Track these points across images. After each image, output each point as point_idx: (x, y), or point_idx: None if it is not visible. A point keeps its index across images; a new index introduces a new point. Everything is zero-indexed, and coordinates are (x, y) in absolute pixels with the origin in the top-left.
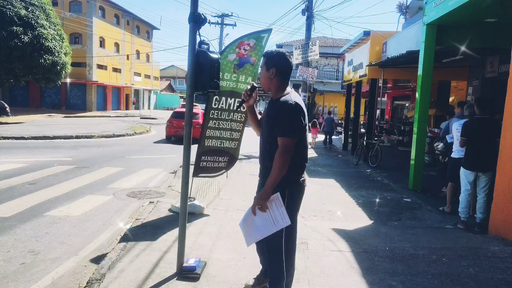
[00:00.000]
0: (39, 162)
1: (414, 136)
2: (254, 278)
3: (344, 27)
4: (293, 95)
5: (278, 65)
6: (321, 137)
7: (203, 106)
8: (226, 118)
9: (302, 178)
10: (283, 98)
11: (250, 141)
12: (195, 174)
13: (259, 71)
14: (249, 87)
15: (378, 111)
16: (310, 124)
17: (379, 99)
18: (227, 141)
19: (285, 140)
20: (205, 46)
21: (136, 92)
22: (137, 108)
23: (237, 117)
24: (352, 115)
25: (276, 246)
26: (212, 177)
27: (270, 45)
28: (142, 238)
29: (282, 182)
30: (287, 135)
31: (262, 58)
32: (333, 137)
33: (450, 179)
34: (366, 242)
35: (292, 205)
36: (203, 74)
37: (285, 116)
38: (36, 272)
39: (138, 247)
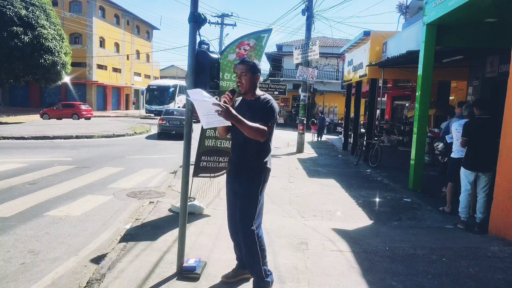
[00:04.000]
0: (39, 162)
1: (414, 136)
2: (231, 271)
3: (344, 27)
4: (269, 96)
5: (259, 72)
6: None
7: None
8: None
9: (270, 164)
10: (264, 96)
11: None
12: (195, 174)
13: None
14: (230, 89)
15: (378, 111)
16: (310, 122)
17: (379, 99)
18: (227, 141)
19: (269, 127)
20: (205, 46)
21: (136, 92)
22: (137, 108)
23: None
24: (352, 115)
25: (248, 213)
26: (213, 177)
27: (270, 45)
28: (142, 238)
29: (260, 170)
30: (272, 122)
31: (243, 64)
32: (334, 137)
33: (450, 179)
34: (366, 242)
35: (264, 187)
36: (203, 74)
37: (270, 108)
38: (36, 272)
39: (138, 247)
